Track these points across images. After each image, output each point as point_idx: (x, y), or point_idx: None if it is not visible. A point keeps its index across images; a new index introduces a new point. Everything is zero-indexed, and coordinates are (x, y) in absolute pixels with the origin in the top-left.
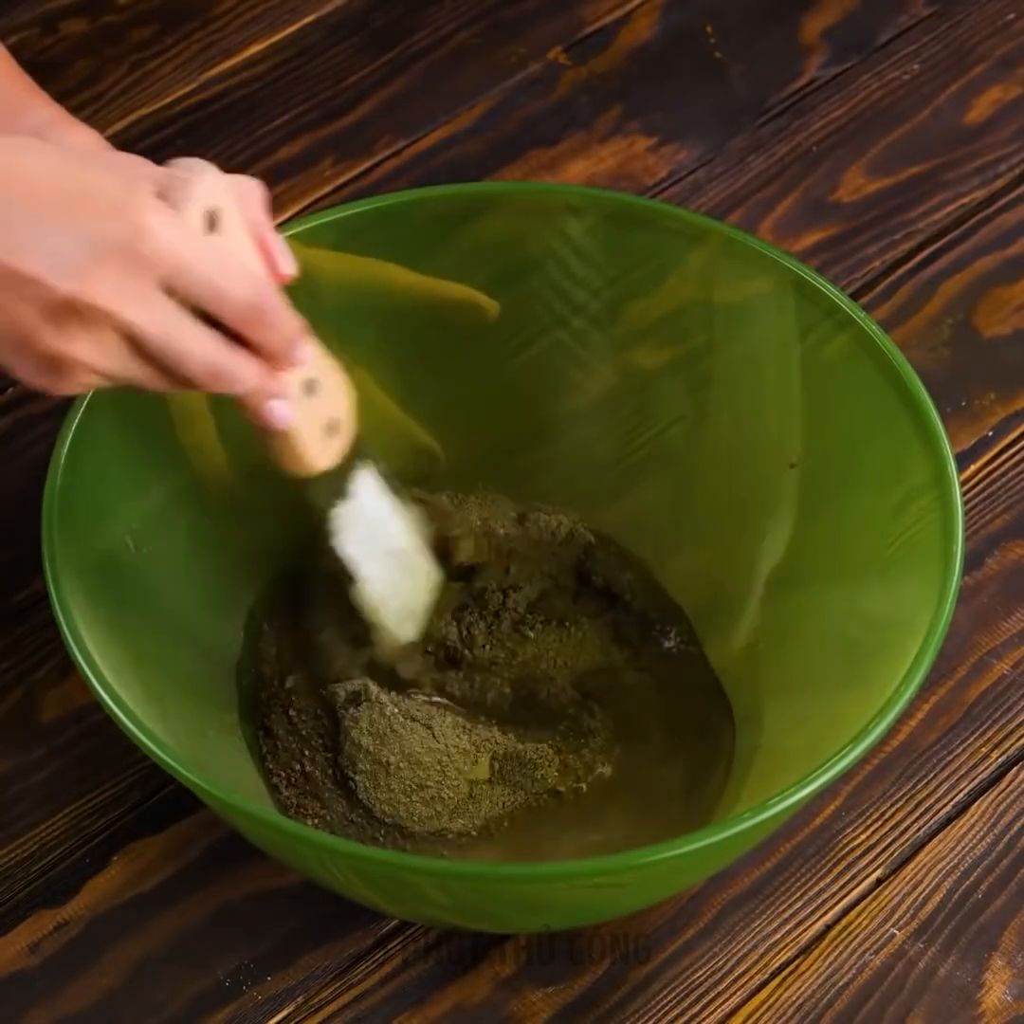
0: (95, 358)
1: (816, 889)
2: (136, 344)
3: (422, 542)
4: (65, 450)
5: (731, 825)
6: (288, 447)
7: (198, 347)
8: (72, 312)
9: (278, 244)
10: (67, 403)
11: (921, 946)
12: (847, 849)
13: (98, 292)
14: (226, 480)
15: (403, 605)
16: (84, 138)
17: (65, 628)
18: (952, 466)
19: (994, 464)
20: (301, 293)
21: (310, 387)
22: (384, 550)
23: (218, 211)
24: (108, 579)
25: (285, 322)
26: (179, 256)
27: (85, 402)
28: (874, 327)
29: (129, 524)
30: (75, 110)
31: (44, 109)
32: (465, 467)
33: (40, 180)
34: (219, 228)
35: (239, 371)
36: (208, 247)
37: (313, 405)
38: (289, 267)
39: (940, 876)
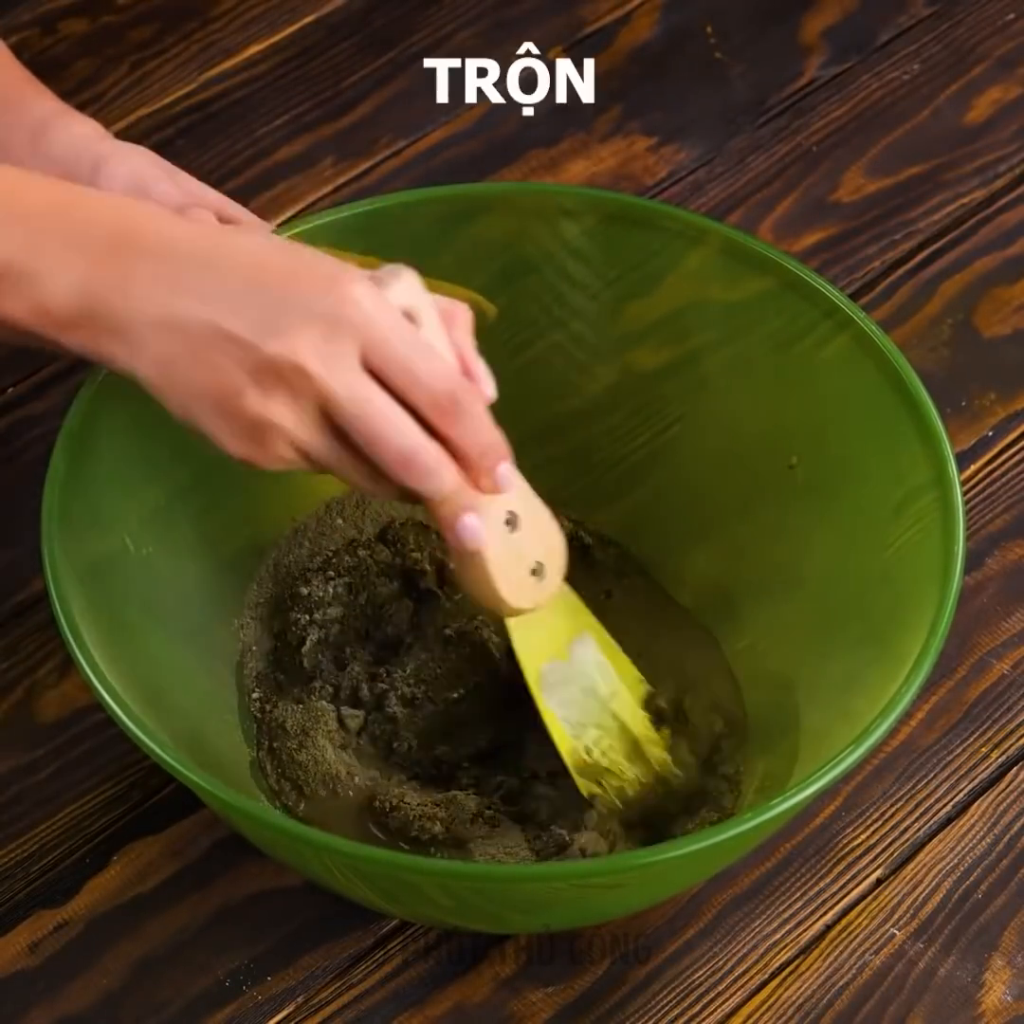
0: (292, 425)
1: (816, 889)
2: (332, 414)
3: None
4: (65, 450)
5: (731, 826)
6: (479, 575)
7: (394, 426)
8: (275, 373)
9: (481, 367)
10: (67, 403)
11: (921, 946)
12: (847, 849)
13: (300, 353)
14: None
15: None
16: (86, 129)
17: (65, 628)
18: (952, 466)
19: (994, 464)
20: None
21: (513, 522)
22: (596, 724)
23: (415, 312)
24: (108, 579)
25: (485, 428)
26: (381, 330)
27: (85, 402)
28: (873, 327)
29: (128, 524)
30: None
31: (47, 103)
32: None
33: (256, 256)
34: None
35: (434, 464)
36: (410, 330)
37: (514, 539)
38: (491, 391)
39: (940, 876)
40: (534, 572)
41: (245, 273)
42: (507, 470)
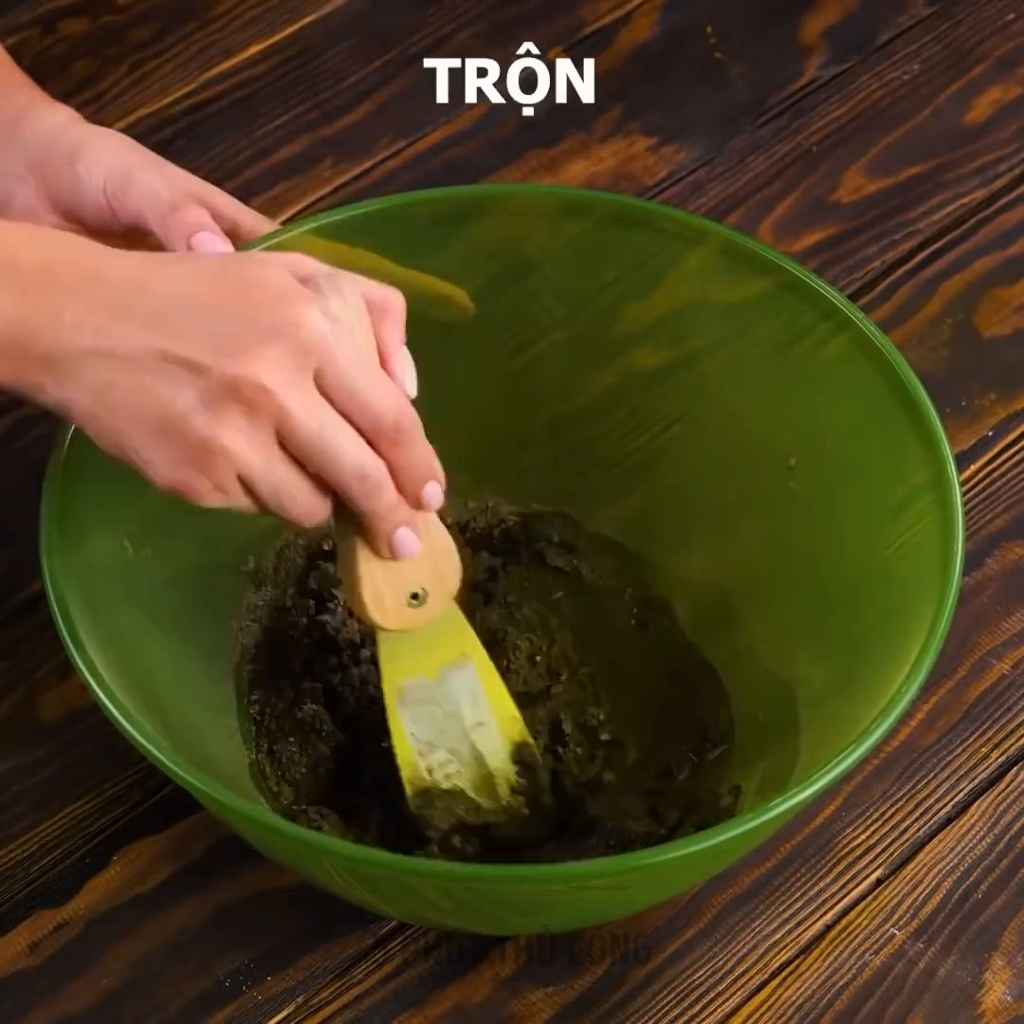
0: (243, 448)
1: (816, 889)
2: (289, 433)
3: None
4: (64, 450)
5: (731, 827)
6: (353, 591)
7: (351, 445)
8: (232, 394)
9: (404, 364)
10: None
11: (921, 946)
12: (847, 849)
13: (261, 373)
14: None
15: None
16: (59, 117)
17: (63, 629)
18: (952, 467)
19: (994, 464)
20: None
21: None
22: (449, 748)
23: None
24: (107, 580)
25: (422, 451)
26: (335, 354)
27: None
28: (872, 327)
29: (127, 526)
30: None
31: (25, 93)
32: (464, 468)
33: (192, 280)
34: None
35: (383, 482)
36: (361, 354)
37: (395, 565)
38: (412, 390)
39: (940, 876)
40: (414, 597)
41: (184, 296)
42: (434, 489)
